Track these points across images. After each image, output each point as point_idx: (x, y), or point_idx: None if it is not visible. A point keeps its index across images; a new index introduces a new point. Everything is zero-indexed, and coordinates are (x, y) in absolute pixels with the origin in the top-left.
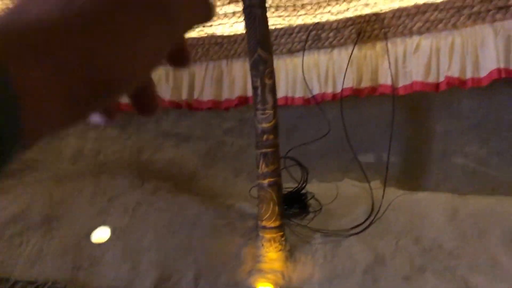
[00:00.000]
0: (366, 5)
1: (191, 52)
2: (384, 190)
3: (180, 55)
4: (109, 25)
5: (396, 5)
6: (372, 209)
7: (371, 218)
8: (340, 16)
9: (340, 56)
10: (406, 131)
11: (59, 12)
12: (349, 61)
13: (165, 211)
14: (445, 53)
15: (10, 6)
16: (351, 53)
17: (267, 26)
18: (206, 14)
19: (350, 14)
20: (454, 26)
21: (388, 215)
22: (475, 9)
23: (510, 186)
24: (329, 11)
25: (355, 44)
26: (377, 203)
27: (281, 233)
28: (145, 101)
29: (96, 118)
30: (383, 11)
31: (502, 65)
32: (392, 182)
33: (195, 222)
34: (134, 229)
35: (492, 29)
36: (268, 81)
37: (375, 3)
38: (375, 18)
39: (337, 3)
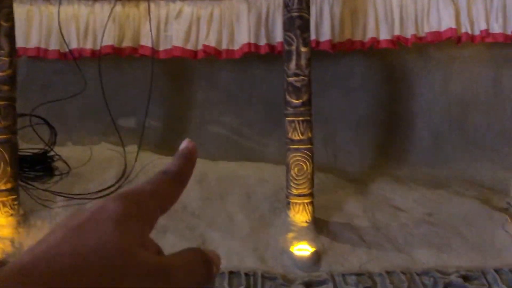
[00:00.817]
0: None
1: None
2: (137, 154)
3: None
4: None
5: None
6: (124, 173)
7: (121, 181)
8: None
9: (102, 10)
10: (168, 98)
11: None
12: (109, 17)
13: None
14: (204, 22)
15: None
16: (112, 9)
17: None
18: (207, 276)
19: None
20: None
21: (139, 179)
22: None
23: (256, 153)
24: None
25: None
26: (130, 167)
27: (14, 197)
28: None
29: None
30: None
31: (252, 40)
32: (151, 147)
33: None
34: None
35: (246, 5)
36: (4, 24)
37: None
38: None
39: None
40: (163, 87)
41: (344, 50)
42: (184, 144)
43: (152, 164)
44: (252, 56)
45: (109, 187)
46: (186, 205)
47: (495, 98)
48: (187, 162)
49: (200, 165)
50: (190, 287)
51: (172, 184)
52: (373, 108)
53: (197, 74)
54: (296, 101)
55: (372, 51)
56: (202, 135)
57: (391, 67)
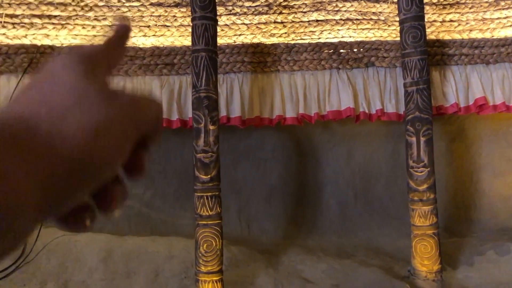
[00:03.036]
0: (47, 36)
1: (146, 164)
2: (39, 232)
3: (134, 165)
4: (81, 115)
5: (76, 41)
6: (22, 253)
7: (19, 262)
8: (16, 41)
9: (9, 83)
10: None
11: (44, 106)
12: (14, 90)
13: None
14: None
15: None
16: (18, 82)
17: None
18: (158, 117)
19: (27, 41)
20: (127, 73)
21: (40, 259)
22: (145, 61)
23: (168, 225)
24: (4, 34)
25: (24, 72)
26: (30, 245)
27: None
28: (106, 199)
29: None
30: (63, 45)
31: (164, 115)
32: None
33: None
34: None
35: (159, 81)
36: None
37: (56, 35)
38: (51, 51)
39: (14, 27)
40: None
41: (253, 125)
42: (116, 22)
43: (55, 242)
44: (165, 129)
45: (6, 269)
46: (90, 285)
47: (394, 169)
48: (122, 30)
49: (106, 241)
50: (151, 118)
51: (114, 45)
52: (284, 179)
53: None
54: (205, 177)
55: (281, 125)
56: None
57: (299, 140)
